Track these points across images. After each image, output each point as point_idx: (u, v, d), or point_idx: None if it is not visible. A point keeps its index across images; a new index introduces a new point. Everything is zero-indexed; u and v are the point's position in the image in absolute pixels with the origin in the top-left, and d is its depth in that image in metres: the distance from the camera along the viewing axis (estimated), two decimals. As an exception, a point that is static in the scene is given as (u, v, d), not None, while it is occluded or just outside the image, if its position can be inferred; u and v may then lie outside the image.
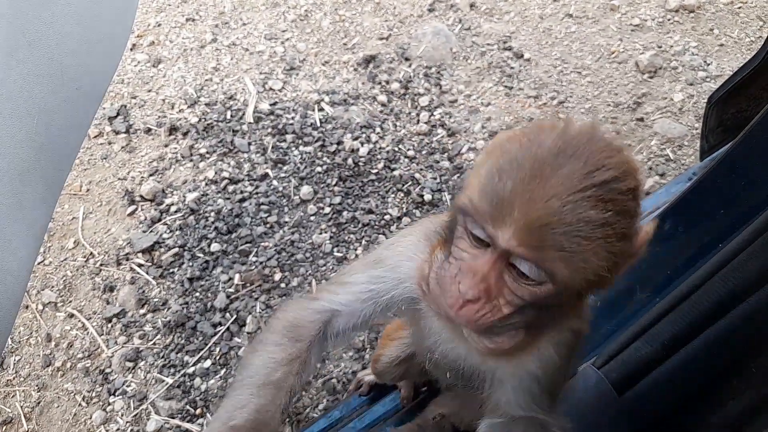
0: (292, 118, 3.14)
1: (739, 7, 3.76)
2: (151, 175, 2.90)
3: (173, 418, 2.15)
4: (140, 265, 2.57)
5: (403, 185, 2.84)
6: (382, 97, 3.26)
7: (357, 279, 1.20)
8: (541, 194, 0.82)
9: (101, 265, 2.59)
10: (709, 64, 3.42)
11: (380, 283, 1.18)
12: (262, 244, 2.62)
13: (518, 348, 0.99)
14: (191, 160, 2.96)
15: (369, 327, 1.27)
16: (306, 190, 2.80)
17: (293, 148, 3.00)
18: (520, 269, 0.88)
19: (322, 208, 2.75)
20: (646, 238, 0.94)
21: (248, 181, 2.86)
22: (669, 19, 3.73)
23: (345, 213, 2.73)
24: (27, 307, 2.46)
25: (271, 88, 3.30)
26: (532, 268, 0.87)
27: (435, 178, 2.87)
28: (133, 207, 2.77)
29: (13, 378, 2.29)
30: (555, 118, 0.94)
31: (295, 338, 1.17)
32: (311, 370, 1.21)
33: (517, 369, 1.12)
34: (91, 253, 2.62)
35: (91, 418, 2.17)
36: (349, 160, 2.93)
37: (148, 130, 3.10)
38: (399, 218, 2.72)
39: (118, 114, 3.17)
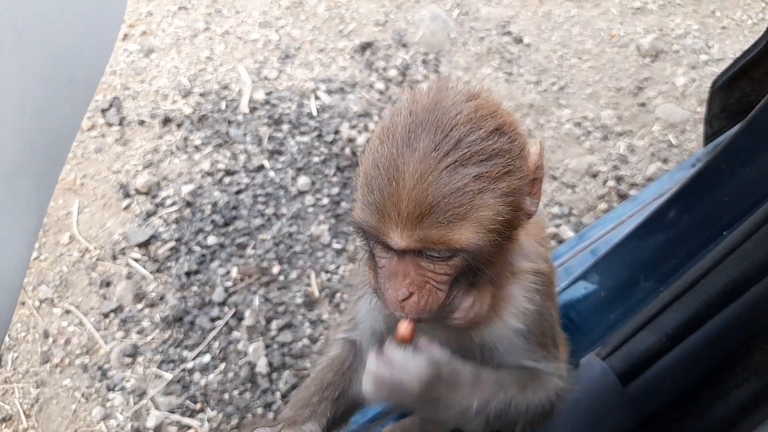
0: (288, 107, 3.09)
1: (741, -12, 3.71)
2: (145, 167, 2.86)
3: (173, 413, 2.13)
4: (136, 260, 2.54)
5: (402, 174, 2.81)
6: (380, 85, 3.21)
7: (353, 311, 1.33)
8: (405, 188, 0.86)
9: (97, 260, 2.56)
10: (711, 47, 3.38)
11: (361, 311, 1.29)
12: (260, 236, 2.59)
13: (486, 309, 1.05)
14: (186, 152, 2.92)
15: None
16: (303, 180, 2.76)
17: (289, 138, 2.96)
18: (427, 254, 0.93)
19: (320, 199, 2.72)
20: (537, 156, 0.98)
21: (244, 172, 2.82)
22: (670, 2, 3.67)
23: (343, 204, 2.70)
24: (23, 303, 2.44)
25: (266, 77, 3.25)
26: (434, 251, 0.92)
27: (434, 167, 2.84)
28: (128, 200, 2.73)
29: (12, 375, 2.27)
30: (405, 91, 0.98)
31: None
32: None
33: (500, 329, 1.14)
34: (87, 248, 2.59)
35: (90, 414, 2.16)
36: (347, 150, 2.90)
37: (142, 122, 3.05)
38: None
39: (110, 106, 3.12)
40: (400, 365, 0.99)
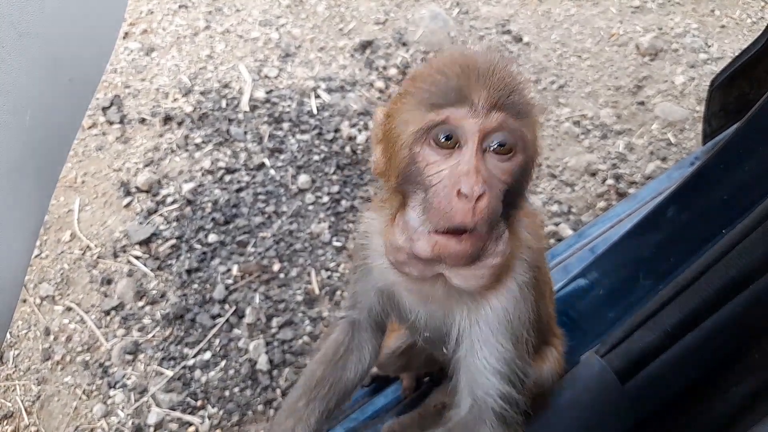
0: (289, 105, 3.10)
1: (741, -13, 3.71)
2: (146, 165, 2.87)
3: (174, 410, 2.14)
4: (138, 257, 2.55)
5: (402, 173, 2.81)
6: (380, 83, 3.21)
7: (353, 287, 1.35)
8: (490, 66, 0.93)
9: (98, 257, 2.56)
10: (710, 46, 3.38)
11: (358, 284, 1.31)
12: (260, 234, 2.60)
13: (506, 258, 1.06)
14: (187, 150, 2.93)
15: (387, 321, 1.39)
16: (304, 179, 2.77)
17: (290, 137, 2.96)
18: (496, 144, 0.94)
19: (321, 197, 2.73)
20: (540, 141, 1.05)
21: (245, 170, 2.83)
22: (669, 0, 3.68)
23: (344, 202, 2.71)
24: (25, 301, 2.44)
25: (266, 76, 3.25)
26: (506, 135, 0.94)
27: (434, 166, 2.84)
28: (129, 198, 2.74)
29: (13, 372, 2.28)
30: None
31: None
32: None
33: (484, 306, 1.14)
34: (88, 245, 2.60)
35: (91, 411, 2.17)
36: (347, 148, 2.90)
37: (143, 120, 3.06)
38: (398, 206, 2.70)
39: (111, 104, 3.13)
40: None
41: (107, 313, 2.40)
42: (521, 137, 0.94)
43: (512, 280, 1.13)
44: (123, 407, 2.17)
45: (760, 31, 2.13)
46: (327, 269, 2.50)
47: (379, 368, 1.85)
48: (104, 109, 3.10)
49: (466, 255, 0.97)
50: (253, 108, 3.08)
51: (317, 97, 3.15)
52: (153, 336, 2.33)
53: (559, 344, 1.57)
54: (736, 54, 2.24)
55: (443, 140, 0.94)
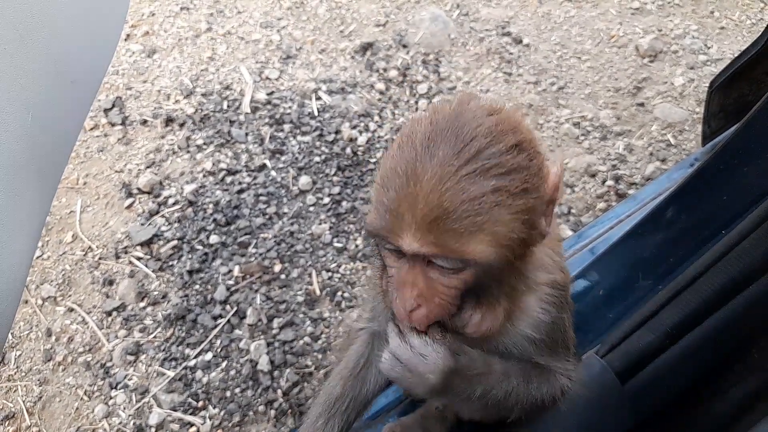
0: (290, 107, 3.11)
1: (740, -11, 3.72)
2: (148, 167, 2.88)
3: (175, 411, 2.15)
4: (139, 258, 2.56)
5: (403, 174, 2.82)
6: (380, 85, 3.22)
7: (373, 300, 1.39)
8: (422, 191, 0.85)
9: (100, 258, 2.57)
10: (709, 48, 3.39)
11: (376, 299, 1.35)
12: (262, 235, 2.61)
13: (498, 323, 1.03)
14: (188, 152, 2.93)
15: None
16: (305, 180, 2.78)
17: (291, 138, 2.97)
18: (438, 264, 0.92)
19: (321, 199, 2.74)
20: (556, 177, 0.96)
21: (246, 171, 2.84)
22: (669, 2, 3.68)
23: (344, 203, 2.72)
24: (26, 301, 2.45)
25: (267, 78, 3.26)
26: (446, 260, 0.91)
27: (434, 167, 2.85)
28: (130, 200, 2.75)
29: (15, 373, 2.29)
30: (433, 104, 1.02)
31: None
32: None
33: (513, 336, 1.15)
34: (90, 246, 2.61)
35: (93, 411, 2.17)
36: (348, 150, 2.91)
37: (144, 122, 3.07)
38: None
39: (113, 106, 3.14)
40: (419, 352, 1.00)
41: (109, 313, 2.41)
42: (465, 255, 0.88)
43: (540, 304, 1.13)
44: (124, 408, 2.17)
45: (760, 33, 2.13)
46: (328, 270, 2.50)
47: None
48: (106, 111, 3.11)
49: (428, 323, 0.98)
50: (255, 109, 3.09)
51: (318, 98, 3.16)
52: (154, 337, 2.34)
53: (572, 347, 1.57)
54: (736, 55, 2.25)
55: (391, 248, 0.96)
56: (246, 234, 2.61)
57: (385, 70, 3.31)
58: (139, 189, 2.79)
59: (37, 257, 2.56)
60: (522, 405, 1.17)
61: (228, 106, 3.12)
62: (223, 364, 2.25)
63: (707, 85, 2.42)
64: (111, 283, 2.49)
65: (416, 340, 1.00)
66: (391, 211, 0.89)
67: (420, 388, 1.02)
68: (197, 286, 2.46)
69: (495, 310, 1.02)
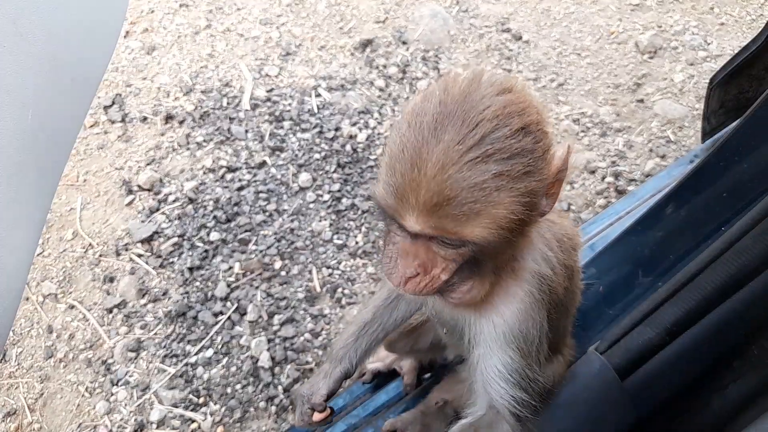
0: (289, 104, 3.10)
1: (740, -15, 3.71)
2: (148, 164, 2.88)
3: (176, 407, 2.16)
4: (140, 255, 2.56)
5: (403, 171, 2.82)
6: (380, 82, 3.22)
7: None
8: (426, 176, 0.89)
9: (100, 255, 2.58)
10: (709, 44, 3.39)
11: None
12: (262, 232, 2.61)
13: (481, 295, 1.08)
14: (188, 149, 2.93)
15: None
16: (304, 177, 2.78)
17: (291, 135, 2.97)
18: (439, 239, 0.97)
19: (321, 195, 2.74)
20: (561, 160, 0.98)
21: (246, 169, 2.84)
22: (669, -2, 3.68)
23: (344, 200, 2.72)
24: (27, 299, 2.46)
25: (267, 75, 3.26)
26: (446, 239, 0.96)
27: (434, 164, 2.85)
28: (130, 197, 2.75)
29: (16, 370, 2.30)
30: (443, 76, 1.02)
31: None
32: None
33: (485, 319, 1.18)
34: (90, 243, 2.61)
35: (94, 408, 2.18)
36: (348, 147, 2.91)
37: (144, 119, 3.07)
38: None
39: (113, 103, 3.13)
40: None
41: (110, 310, 2.41)
42: (465, 237, 0.93)
43: (521, 292, 1.15)
44: (126, 404, 2.18)
45: (759, 29, 2.13)
46: (328, 267, 2.51)
47: (389, 347, 1.86)
48: (106, 108, 3.11)
49: (420, 292, 1.03)
50: (254, 106, 3.09)
51: (318, 95, 3.15)
52: (155, 333, 2.35)
53: (567, 353, 1.58)
54: (736, 51, 2.25)
55: (395, 224, 1.01)
56: (246, 231, 2.61)
57: (384, 66, 3.30)
58: (139, 186, 2.79)
59: (38, 254, 2.56)
60: None
61: (228, 103, 3.12)
62: (224, 361, 2.26)
63: (707, 81, 2.42)
64: (112, 280, 2.49)
65: None
66: (396, 192, 0.93)
67: None
68: (198, 283, 2.47)
69: (482, 283, 1.07)
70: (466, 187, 0.88)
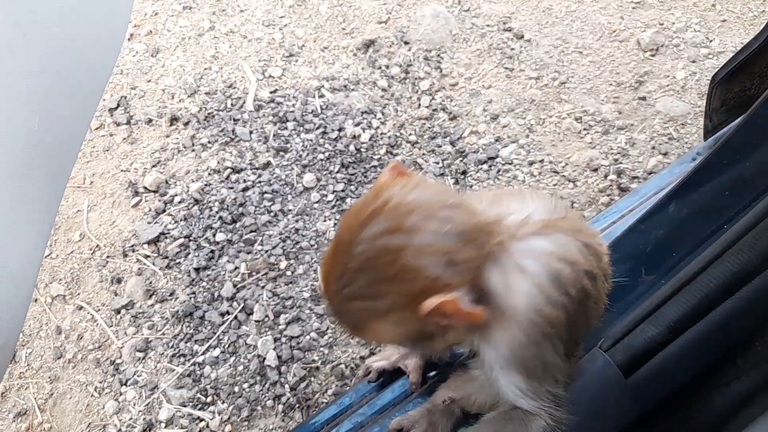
0: (293, 105, 3.12)
1: (742, -18, 3.71)
2: (153, 166, 2.90)
3: (185, 406, 2.18)
4: (146, 257, 2.59)
5: (406, 171, 2.83)
6: (383, 82, 3.24)
7: None
8: (326, 294, 1.07)
9: (107, 257, 2.60)
10: (711, 41, 3.39)
11: None
12: (267, 232, 2.63)
13: (461, 339, 1.21)
14: (193, 150, 2.96)
15: None
16: (309, 177, 2.80)
17: (295, 136, 2.99)
18: None
19: (326, 195, 2.76)
20: (428, 309, 0.94)
21: (251, 169, 2.86)
22: (671, -4, 3.68)
23: (348, 199, 2.74)
24: (36, 300, 2.48)
25: (270, 76, 3.28)
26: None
27: (438, 163, 2.87)
28: (137, 198, 2.77)
29: (26, 370, 2.32)
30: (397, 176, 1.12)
31: None
32: None
33: (490, 347, 1.19)
34: (97, 245, 2.64)
35: (103, 408, 2.21)
36: (351, 147, 2.93)
37: (149, 121, 3.09)
38: (402, 204, 2.72)
39: (118, 105, 3.16)
40: None
41: (117, 311, 2.44)
42: (366, 339, 1.14)
43: (507, 335, 1.12)
44: (134, 404, 2.21)
45: (761, 26, 2.13)
46: (333, 267, 2.52)
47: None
48: (111, 111, 3.13)
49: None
50: (258, 108, 3.11)
51: (321, 96, 3.17)
52: (163, 333, 2.37)
53: (574, 360, 1.58)
54: (738, 48, 2.25)
55: None
56: (251, 231, 2.63)
57: (387, 66, 3.32)
58: (145, 188, 2.81)
59: (46, 256, 2.59)
60: None
61: (232, 105, 3.14)
62: (231, 360, 2.28)
63: (709, 78, 2.43)
64: (119, 281, 2.52)
65: None
66: (321, 278, 1.11)
67: None
68: (204, 284, 2.49)
69: (457, 336, 1.16)
70: (345, 313, 1.07)
